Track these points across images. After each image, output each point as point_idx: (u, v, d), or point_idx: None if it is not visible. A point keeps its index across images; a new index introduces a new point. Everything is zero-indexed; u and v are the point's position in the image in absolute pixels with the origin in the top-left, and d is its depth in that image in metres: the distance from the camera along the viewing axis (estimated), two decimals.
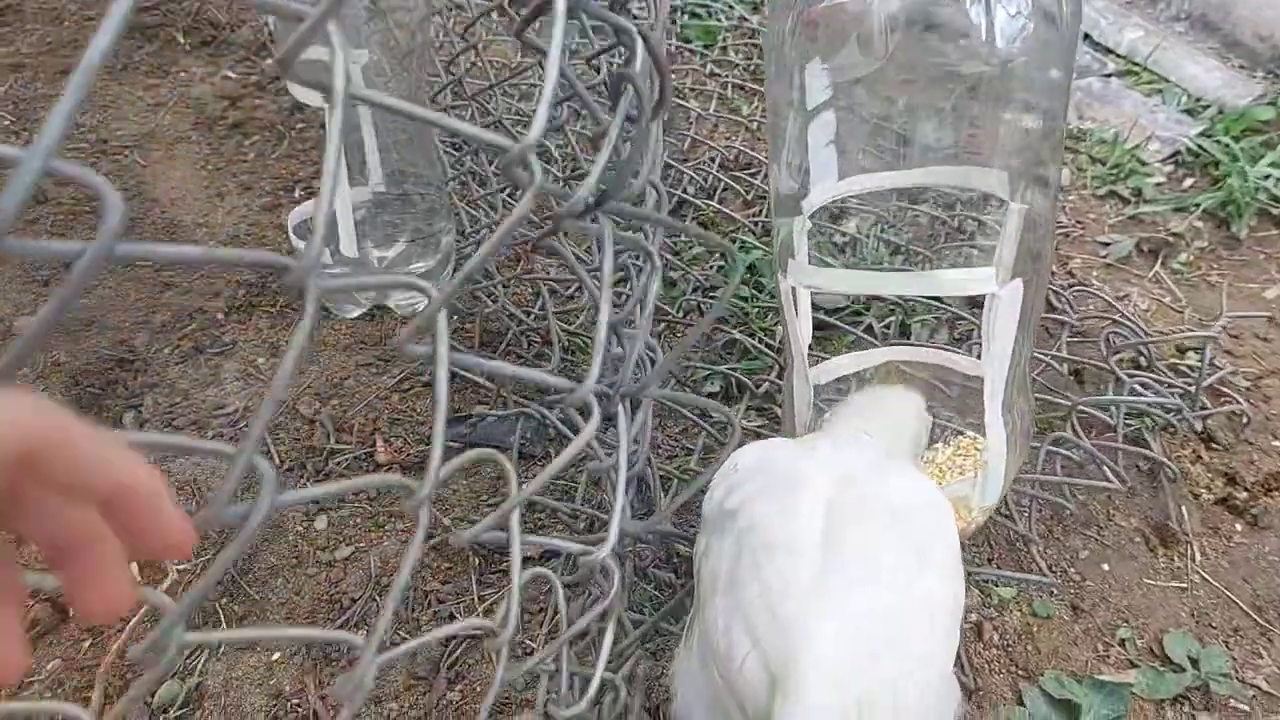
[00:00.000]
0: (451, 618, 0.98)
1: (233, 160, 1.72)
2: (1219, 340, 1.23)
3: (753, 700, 0.54)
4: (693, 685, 0.62)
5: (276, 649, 0.96)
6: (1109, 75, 1.79)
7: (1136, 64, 1.79)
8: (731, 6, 1.98)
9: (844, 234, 1.30)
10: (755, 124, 1.69)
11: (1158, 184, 1.54)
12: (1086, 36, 1.89)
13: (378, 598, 1.00)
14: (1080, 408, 1.04)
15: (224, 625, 0.98)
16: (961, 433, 0.94)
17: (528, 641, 0.94)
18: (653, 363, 0.80)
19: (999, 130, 0.84)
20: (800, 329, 0.86)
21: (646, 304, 0.60)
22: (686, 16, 1.99)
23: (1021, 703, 0.86)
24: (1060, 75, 0.80)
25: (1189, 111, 1.67)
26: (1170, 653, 0.88)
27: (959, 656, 0.89)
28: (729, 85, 1.79)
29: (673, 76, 1.83)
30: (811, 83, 0.82)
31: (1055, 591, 0.94)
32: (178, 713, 0.91)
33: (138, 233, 1.60)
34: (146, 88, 1.85)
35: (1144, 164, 1.58)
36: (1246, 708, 0.85)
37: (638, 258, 0.85)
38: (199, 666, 0.94)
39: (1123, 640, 0.90)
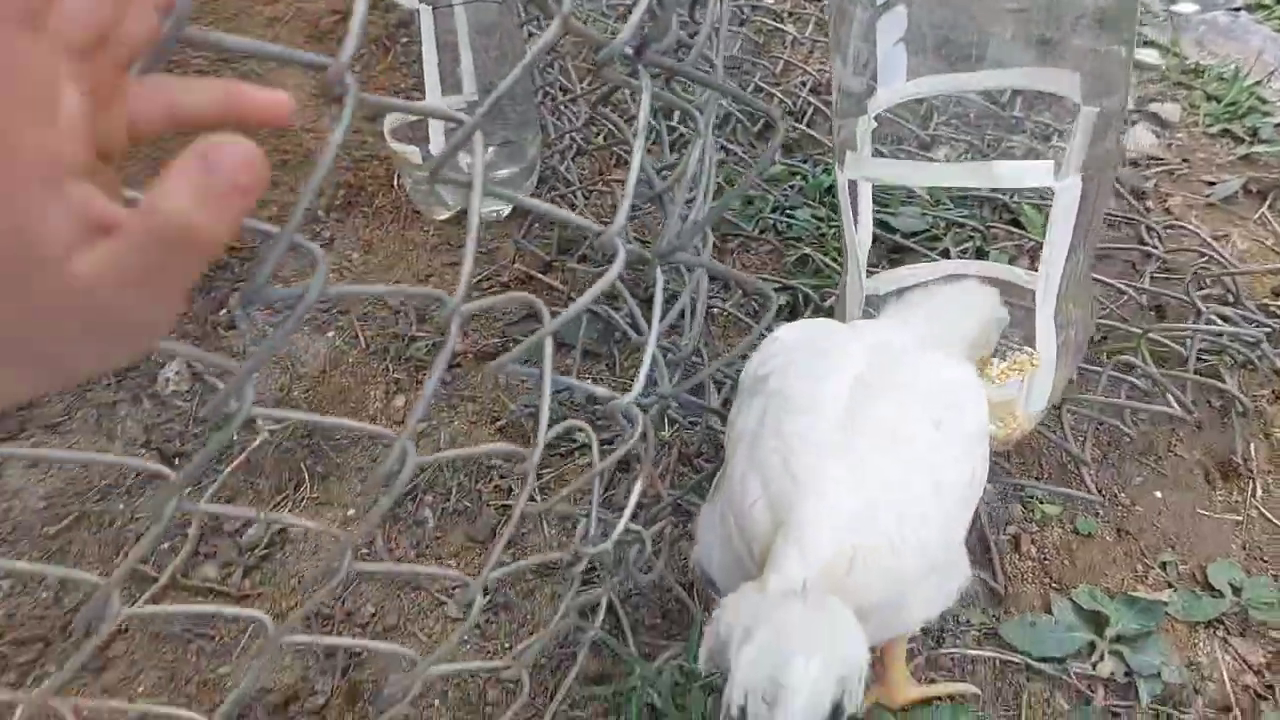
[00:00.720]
0: (510, 491, 1.04)
1: None
2: None
3: (759, 541, 0.57)
4: (712, 531, 0.65)
5: (351, 507, 1.05)
6: (1238, 9, 1.69)
7: None
8: None
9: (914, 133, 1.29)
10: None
11: (1277, 124, 1.46)
12: None
13: (443, 470, 1.07)
14: (1151, 335, 1.02)
15: (307, 482, 1.07)
16: (1020, 349, 0.94)
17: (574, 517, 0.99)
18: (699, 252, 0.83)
19: (1069, 37, 0.82)
20: (858, 227, 0.87)
21: (686, 170, 0.62)
22: None
23: (1050, 611, 0.86)
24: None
25: None
26: (1213, 579, 0.87)
27: (992, 563, 0.90)
28: (825, 7, 1.77)
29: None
30: None
31: (1101, 512, 0.94)
32: (263, 552, 1.00)
33: (249, 136, 1.70)
34: (267, 1, 1.95)
35: (1265, 102, 1.49)
36: None
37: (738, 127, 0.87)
38: (285, 511, 1.04)
39: (1164, 564, 0.90)
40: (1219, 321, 1.05)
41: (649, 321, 0.66)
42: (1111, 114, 0.81)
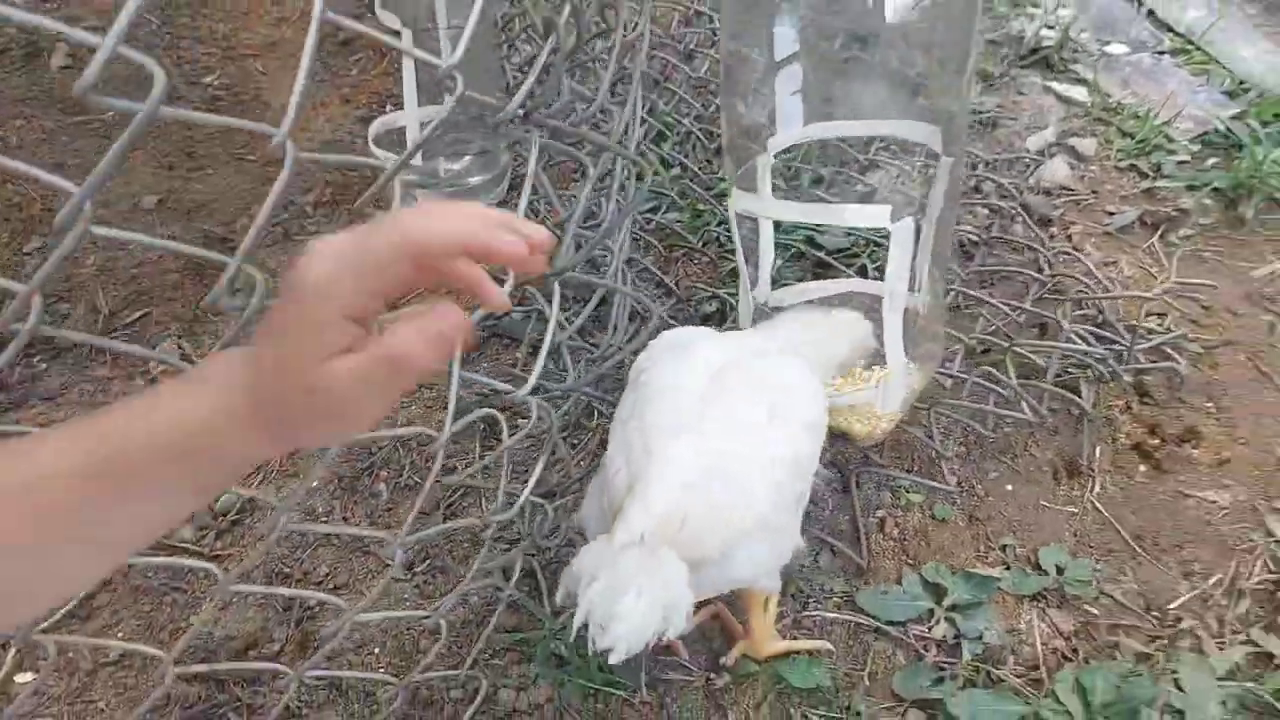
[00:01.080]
0: (454, 470, 1.19)
1: (339, 74, 1.96)
2: (1180, 311, 1.32)
3: (616, 503, 0.73)
4: (593, 498, 0.81)
5: (316, 480, 1.20)
6: (1162, 52, 1.83)
7: (1191, 43, 1.82)
8: None
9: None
10: None
11: (1180, 161, 1.60)
12: (1150, 13, 1.92)
13: (398, 449, 1.22)
14: (1017, 350, 1.17)
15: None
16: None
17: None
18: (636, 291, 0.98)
19: (929, 92, 0.96)
20: (761, 246, 1.01)
21: (579, 205, 0.77)
22: None
23: (900, 583, 1.02)
24: (960, 41, 0.91)
25: (1230, 94, 1.70)
26: (1043, 561, 1.03)
27: (859, 541, 1.05)
28: None
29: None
30: (780, 35, 0.97)
31: (957, 501, 1.09)
32: (234, 517, 1.16)
33: (229, 140, 1.85)
34: (275, 1, 2.10)
35: (1171, 140, 1.64)
36: (1096, 611, 0.99)
37: (626, 173, 1.01)
38: (255, 482, 1.19)
39: (1004, 546, 1.05)
40: (1078, 340, 1.19)
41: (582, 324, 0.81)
42: (958, 162, 0.96)
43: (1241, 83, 1.72)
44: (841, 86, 0.97)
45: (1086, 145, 1.65)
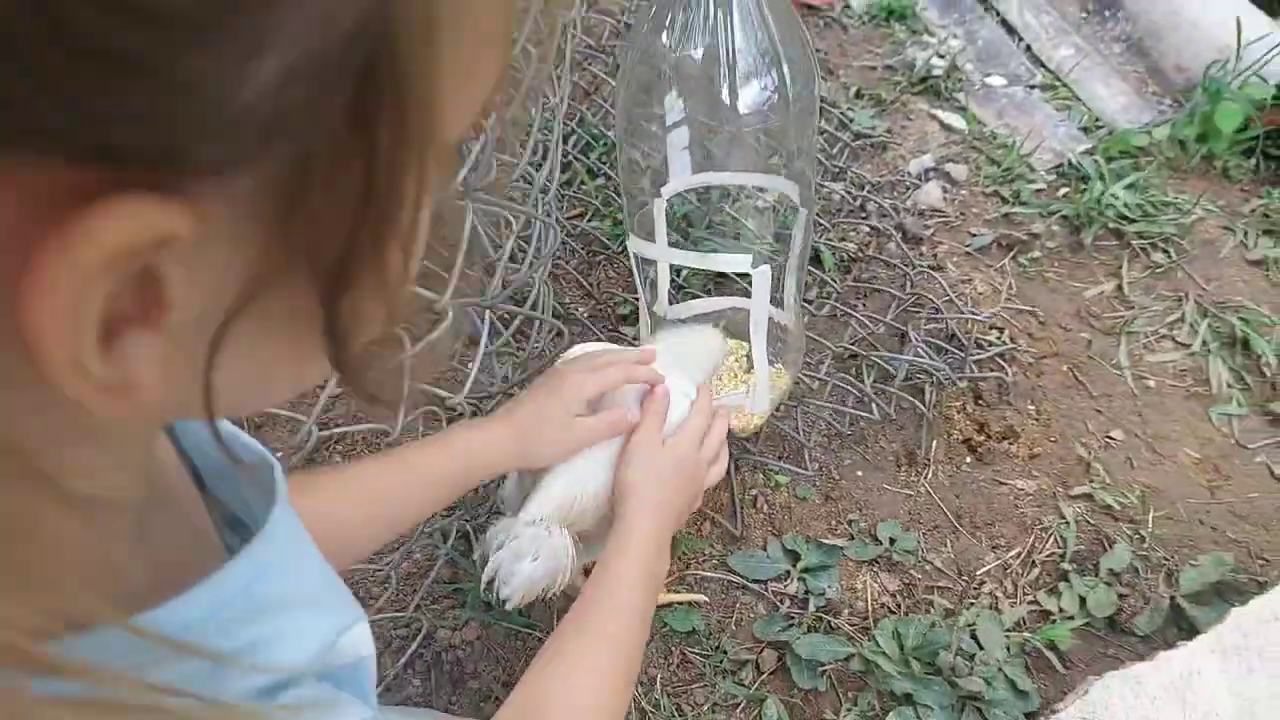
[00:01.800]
0: None
1: None
2: (1018, 325, 1.57)
3: (527, 489, 0.93)
4: (512, 480, 1.02)
5: None
6: (1034, 86, 2.07)
7: (1059, 79, 2.07)
8: None
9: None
10: None
11: (1036, 190, 1.85)
12: (1028, 48, 2.16)
13: (357, 441, 1.41)
14: (872, 358, 1.40)
15: None
16: (773, 362, 1.31)
17: None
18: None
19: (792, 161, 1.17)
20: (659, 273, 1.22)
21: (505, 249, 0.96)
22: None
23: (765, 549, 1.25)
24: (804, 129, 1.12)
25: (1086, 129, 1.96)
26: (880, 534, 1.27)
27: (735, 515, 1.28)
28: None
29: None
30: (670, 106, 1.17)
31: (817, 483, 1.33)
32: None
33: None
34: None
35: (1031, 170, 1.88)
36: (918, 575, 1.24)
37: (545, 226, 1.21)
38: None
39: (850, 521, 1.29)
40: (924, 351, 1.44)
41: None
42: (810, 212, 1.17)
43: (1096, 120, 1.98)
44: (720, 147, 1.18)
45: (959, 171, 1.89)
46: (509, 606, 0.84)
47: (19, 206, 0.19)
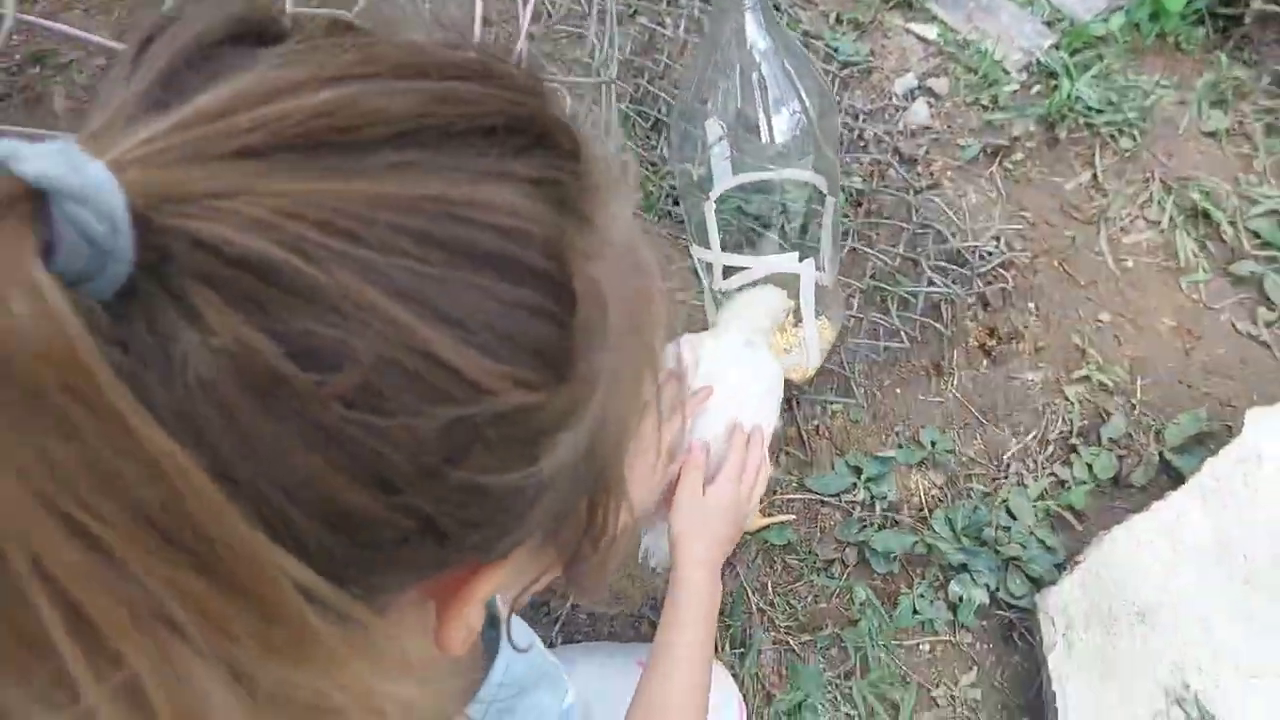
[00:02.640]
0: None
1: None
2: (1011, 230, 1.82)
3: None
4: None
5: None
6: None
7: None
8: None
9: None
10: None
11: (1012, 92, 2.05)
12: None
13: None
14: (898, 293, 1.67)
15: None
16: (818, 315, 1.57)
17: None
18: None
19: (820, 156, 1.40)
20: (713, 259, 1.47)
21: None
22: None
23: (834, 468, 1.56)
24: (826, 148, 1.34)
25: (1049, 24, 2.14)
26: (921, 439, 1.57)
27: (804, 443, 1.58)
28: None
29: None
30: (710, 126, 1.38)
31: (864, 406, 1.62)
32: None
33: None
34: None
35: (1006, 73, 2.08)
36: (957, 468, 1.55)
37: None
38: None
39: (897, 433, 1.59)
40: (935, 275, 1.70)
41: None
42: (838, 200, 1.41)
43: (1057, 11, 2.15)
44: (755, 152, 1.39)
45: (941, 85, 2.09)
46: (660, 571, 1.16)
47: (447, 584, 0.38)
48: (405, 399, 0.28)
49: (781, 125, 1.27)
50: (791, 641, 1.42)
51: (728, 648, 1.41)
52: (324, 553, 0.28)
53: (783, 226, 1.54)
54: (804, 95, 1.26)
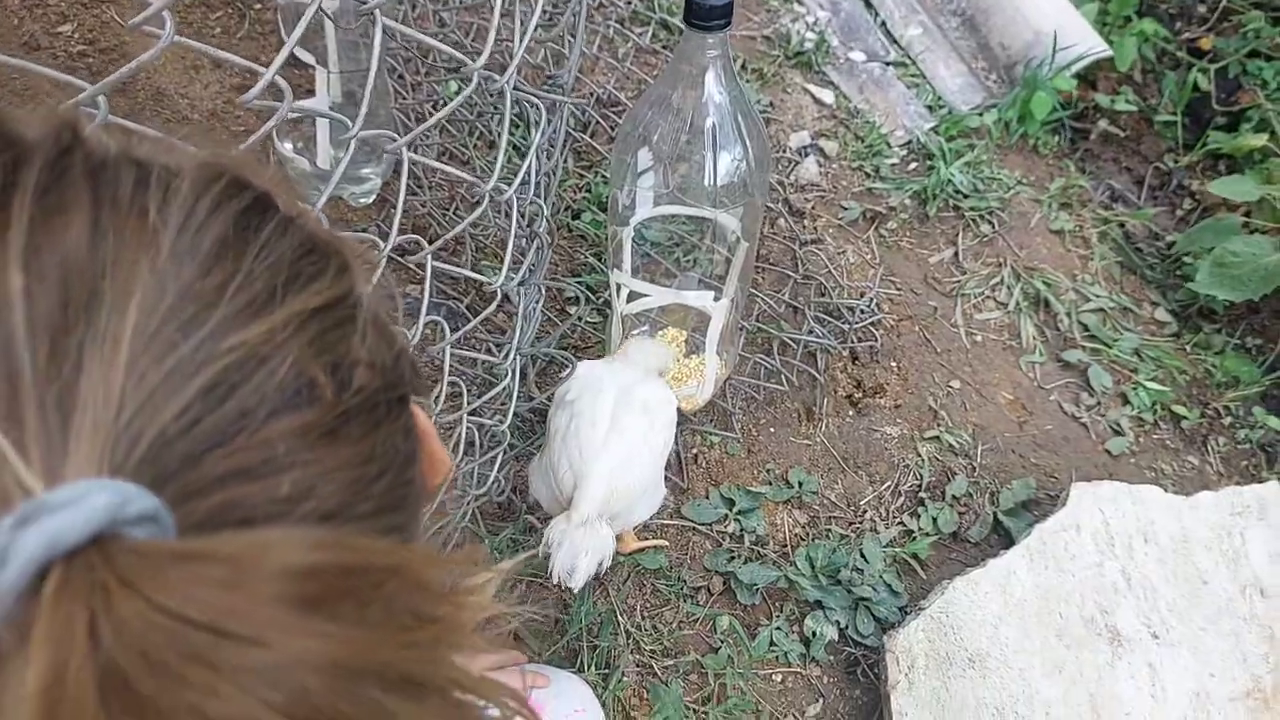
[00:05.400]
0: None
1: (201, 33, 2.12)
2: (882, 292, 1.96)
3: (565, 492, 1.24)
4: (539, 476, 1.31)
5: None
6: (889, 63, 2.41)
7: (909, 57, 2.42)
8: None
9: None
10: (628, 64, 2.22)
11: (892, 164, 2.22)
12: (883, 24, 2.48)
13: None
14: (782, 337, 1.76)
15: None
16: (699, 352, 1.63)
17: None
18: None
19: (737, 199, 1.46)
20: (622, 286, 1.50)
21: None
22: None
23: (708, 497, 1.62)
24: (755, 190, 1.42)
25: (930, 108, 2.33)
26: (790, 478, 1.66)
27: (682, 470, 1.63)
28: (612, 22, 2.29)
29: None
30: (642, 156, 1.42)
31: (740, 441, 1.69)
32: None
33: (129, 95, 2.01)
34: None
35: (889, 146, 2.24)
36: (819, 509, 1.65)
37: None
38: None
39: (768, 470, 1.67)
40: (815, 324, 1.80)
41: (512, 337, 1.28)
42: (753, 244, 1.49)
43: (939, 98, 2.35)
44: (695, 191, 1.44)
45: (831, 146, 2.22)
46: (576, 590, 1.17)
47: None
48: None
49: (724, 170, 1.32)
50: (655, 665, 1.46)
51: (594, 668, 1.43)
52: None
53: (702, 263, 1.59)
54: (749, 145, 1.32)
